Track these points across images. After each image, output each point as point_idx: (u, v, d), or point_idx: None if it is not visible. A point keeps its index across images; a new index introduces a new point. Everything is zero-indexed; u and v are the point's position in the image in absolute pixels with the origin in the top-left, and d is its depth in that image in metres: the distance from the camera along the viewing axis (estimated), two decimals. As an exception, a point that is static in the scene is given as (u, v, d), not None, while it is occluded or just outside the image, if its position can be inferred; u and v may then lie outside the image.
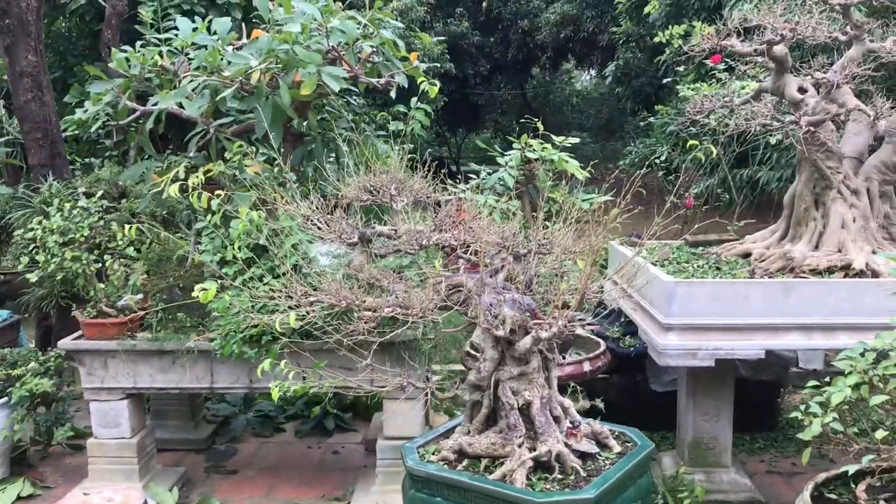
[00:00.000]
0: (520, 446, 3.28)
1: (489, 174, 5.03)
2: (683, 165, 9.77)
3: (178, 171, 4.81)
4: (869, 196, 4.93)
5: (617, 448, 3.48)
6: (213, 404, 6.75)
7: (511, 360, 3.46)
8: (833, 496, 3.85)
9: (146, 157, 5.65)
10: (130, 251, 5.00)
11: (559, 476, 3.23)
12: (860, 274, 4.57)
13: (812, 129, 4.44)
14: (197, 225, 5.06)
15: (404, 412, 5.06)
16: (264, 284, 4.77)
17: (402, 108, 4.73)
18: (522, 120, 5.91)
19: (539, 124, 5.31)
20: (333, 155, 5.31)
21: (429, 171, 4.02)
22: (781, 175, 8.69)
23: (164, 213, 5.95)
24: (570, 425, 3.44)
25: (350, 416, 6.59)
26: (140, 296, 5.25)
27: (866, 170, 4.97)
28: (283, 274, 4.74)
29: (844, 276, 4.63)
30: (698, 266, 5.15)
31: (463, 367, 3.80)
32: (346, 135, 5.34)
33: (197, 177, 4.66)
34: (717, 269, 5.08)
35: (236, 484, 5.54)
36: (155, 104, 5.12)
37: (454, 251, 4.01)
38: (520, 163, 4.95)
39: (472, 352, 4.91)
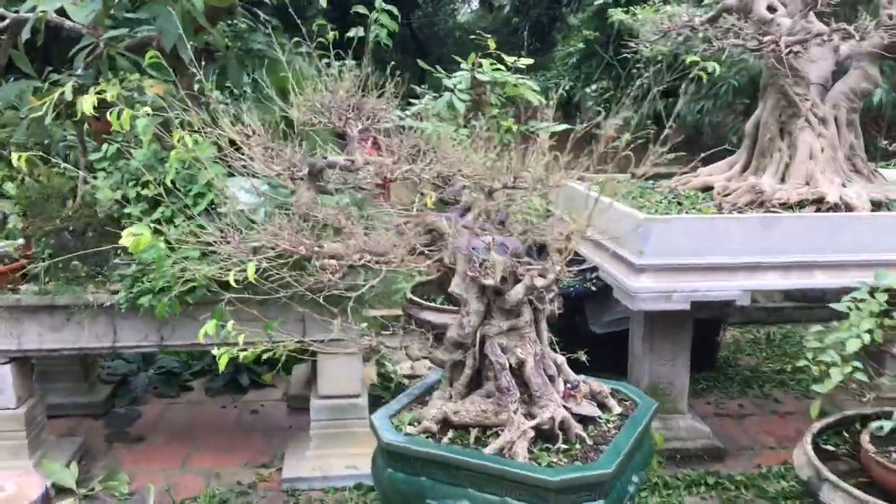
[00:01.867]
0: (515, 413, 2.80)
1: (434, 98, 4.44)
2: (587, 99, 9.44)
3: (63, 93, 3.99)
4: (836, 125, 4.65)
5: (617, 408, 3.07)
6: (107, 362, 5.96)
7: (499, 312, 2.96)
8: (830, 447, 3.58)
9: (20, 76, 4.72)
10: (9, 188, 4.15)
11: (563, 446, 2.78)
12: (834, 208, 4.31)
13: (795, 49, 4.07)
14: (91, 156, 4.25)
15: (341, 367, 4.50)
16: (176, 227, 4.06)
17: (361, 10, 4.03)
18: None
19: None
20: (251, 75, 4.57)
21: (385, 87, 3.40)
22: (702, 107, 8.47)
23: (36, 144, 5.06)
24: (569, 385, 2.99)
25: (265, 369, 5.95)
26: (21, 241, 4.42)
27: (833, 97, 4.68)
28: (198, 215, 4.06)
29: (817, 211, 4.35)
30: (657, 202, 4.78)
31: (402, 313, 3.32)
32: (265, 50, 4.61)
33: (88, 99, 3.88)
34: (679, 203, 4.72)
35: (145, 453, 4.86)
36: (31, 10, 4.21)
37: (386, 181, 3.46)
38: (469, 86, 4.39)
39: (415, 299, 4.36)
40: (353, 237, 3.04)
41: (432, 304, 4.64)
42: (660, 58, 7.44)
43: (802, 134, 4.56)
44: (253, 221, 4.31)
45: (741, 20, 4.44)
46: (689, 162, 5.58)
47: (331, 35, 3.48)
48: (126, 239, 2.20)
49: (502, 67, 4.44)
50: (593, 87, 6.78)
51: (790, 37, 4.18)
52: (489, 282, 2.86)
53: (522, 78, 4.37)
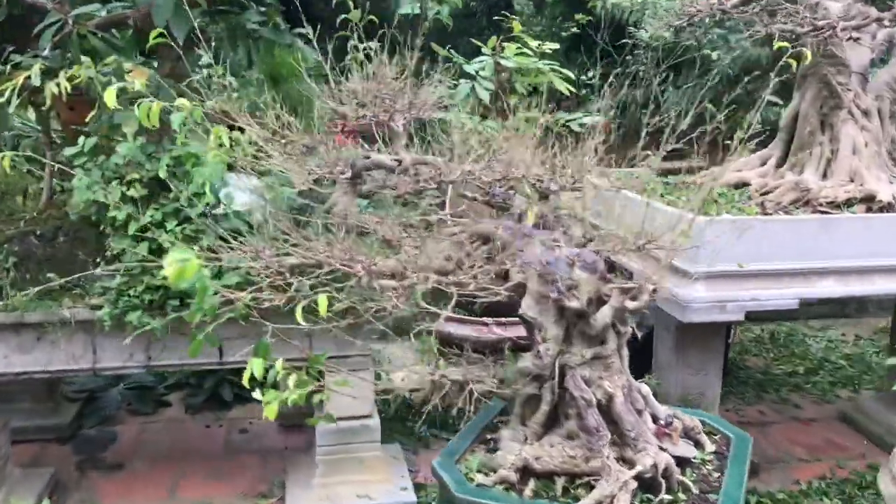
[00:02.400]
0: (609, 458, 2.40)
1: (454, 86, 3.99)
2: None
3: (29, 77, 3.42)
4: (879, 117, 4.35)
5: (709, 445, 2.69)
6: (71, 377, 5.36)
7: (581, 339, 2.55)
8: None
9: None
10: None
11: (666, 497, 2.39)
12: (887, 207, 4.00)
13: (855, 35, 3.73)
14: (66, 151, 3.68)
15: (352, 387, 4.03)
16: (168, 232, 3.54)
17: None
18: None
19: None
20: (245, 59, 4.04)
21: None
22: (694, 96, 8.14)
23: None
24: (661, 422, 2.60)
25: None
26: (-19, 248, 3.84)
27: (876, 87, 4.38)
28: (197, 217, 3.54)
29: (867, 210, 4.05)
30: (688, 201, 4.41)
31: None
32: (259, 30, 4.09)
33: (58, 83, 3.33)
34: (713, 202, 4.36)
35: (125, 483, 4.33)
36: (-11, -20, 3.62)
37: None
38: (492, 72, 3.95)
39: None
40: (403, 251, 2.59)
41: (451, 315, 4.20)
42: (655, 44, 7.11)
43: (845, 127, 4.25)
44: (250, 225, 3.84)
45: (787, 2, 4.09)
46: (681, 155, 5.26)
47: (356, 13, 2.99)
48: (169, 267, 1.71)
49: (527, 52, 4.01)
50: (590, 74, 6.41)
51: (847, 21, 3.84)
52: (574, 304, 2.44)
53: (552, 64, 3.95)
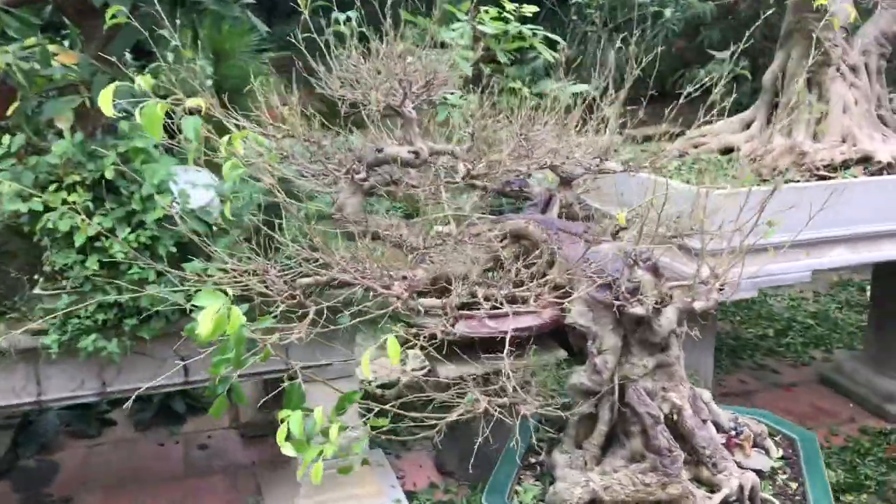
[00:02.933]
0: (688, 482, 2.11)
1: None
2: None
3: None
4: (867, 73, 4.18)
5: (774, 450, 2.44)
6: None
7: (640, 347, 2.25)
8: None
9: None
10: None
11: (753, 519, 2.12)
12: (887, 168, 3.84)
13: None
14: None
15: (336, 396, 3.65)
16: (120, 242, 3.04)
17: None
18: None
19: None
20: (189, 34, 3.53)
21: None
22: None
23: None
24: (731, 431, 2.33)
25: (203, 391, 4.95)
26: None
27: (863, 42, 4.19)
28: (148, 223, 3.05)
29: (865, 172, 3.88)
30: (676, 169, 4.16)
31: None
32: (204, 2, 3.57)
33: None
34: (700, 171, 4.12)
35: (79, 521, 3.84)
36: None
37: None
38: (470, 40, 3.55)
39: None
40: (429, 258, 2.22)
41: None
42: (602, 2, 6.83)
43: (834, 85, 4.06)
44: (209, 225, 3.37)
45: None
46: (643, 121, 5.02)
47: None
48: (205, 323, 1.30)
49: (506, 16, 3.63)
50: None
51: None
52: (639, 311, 2.13)
53: (535, 28, 3.58)
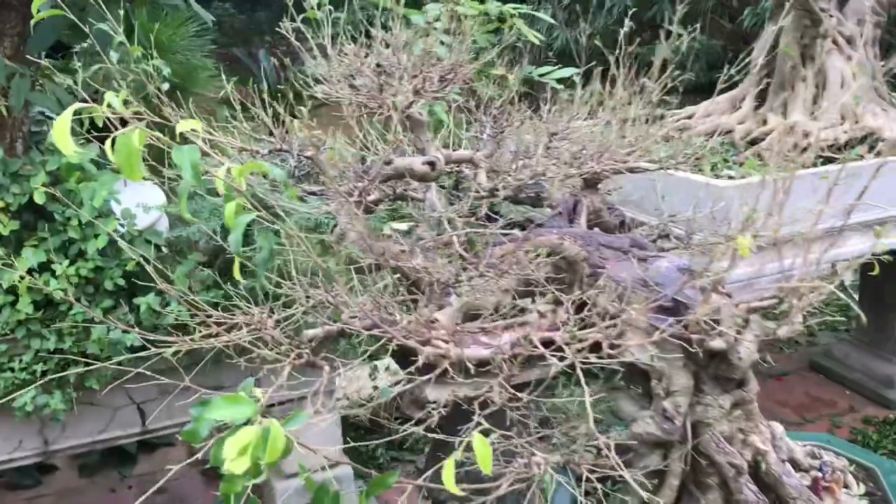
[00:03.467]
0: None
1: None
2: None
3: None
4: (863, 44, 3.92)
5: (856, 486, 2.13)
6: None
7: (713, 384, 1.89)
8: None
9: None
10: None
11: (862, 581, 1.80)
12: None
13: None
14: None
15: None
16: (57, 278, 2.54)
17: None
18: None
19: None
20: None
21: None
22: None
23: None
24: (818, 472, 2.00)
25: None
26: None
27: (857, 10, 3.93)
28: (89, 253, 2.55)
29: (870, 151, 3.63)
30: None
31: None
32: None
33: None
34: (697, 157, 3.80)
35: None
36: None
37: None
38: (447, 23, 3.14)
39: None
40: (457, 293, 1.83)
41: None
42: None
43: (830, 58, 3.79)
44: (159, 247, 2.89)
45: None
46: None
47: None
48: (231, 451, 0.89)
49: (485, -5, 3.22)
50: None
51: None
52: (718, 344, 1.77)
53: (518, 8, 3.19)
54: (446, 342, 1.54)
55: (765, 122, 3.94)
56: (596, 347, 1.70)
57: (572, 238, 2.01)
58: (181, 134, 1.17)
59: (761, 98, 4.02)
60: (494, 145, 2.00)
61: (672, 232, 2.36)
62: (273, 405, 1.45)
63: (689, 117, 4.25)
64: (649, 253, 2.00)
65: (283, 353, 1.60)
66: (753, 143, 3.81)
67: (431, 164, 1.84)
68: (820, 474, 1.97)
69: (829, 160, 3.60)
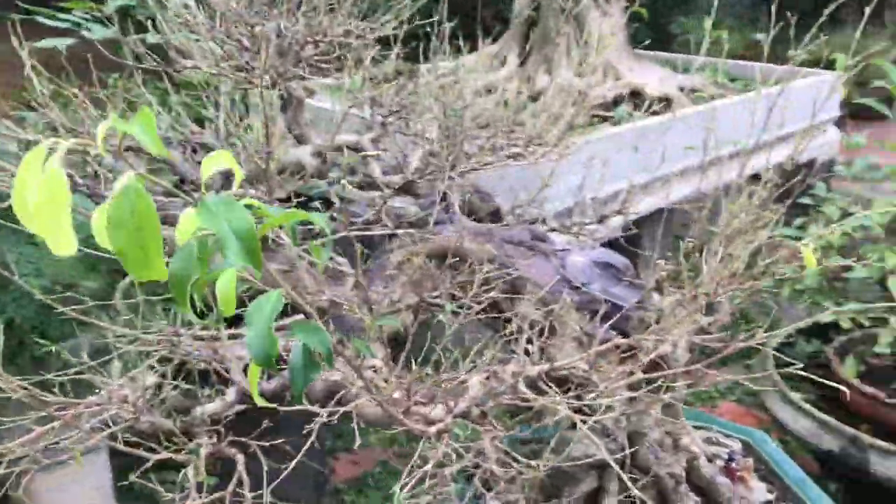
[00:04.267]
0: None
1: None
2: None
3: None
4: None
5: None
6: None
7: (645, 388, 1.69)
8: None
9: None
10: None
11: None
12: (659, 103, 3.69)
13: None
14: None
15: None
16: None
17: None
18: None
19: None
20: None
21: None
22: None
23: None
24: (732, 462, 1.90)
25: None
26: None
27: (610, -34, 3.96)
28: None
29: (635, 108, 3.71)
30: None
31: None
32: None
33: None
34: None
35: None
36: None
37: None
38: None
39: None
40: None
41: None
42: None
43: (590, 15, 3.78)
44: None
45: None
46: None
47: None
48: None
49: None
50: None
51: None
52: (666, 349, 1.57)
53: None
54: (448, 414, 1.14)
55: (529, 80, 3.85)
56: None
57: (472, 235, 1.68)
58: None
59: (525, 54, 3.93)
60: (382, 127, 1.58)
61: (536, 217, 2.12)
62: None
63: (447, 74, 4.03)
64: (556, 247, 1.73)
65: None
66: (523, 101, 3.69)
67: (321, 155, 1.39)
68: (732, 464, 1.88)
69: (603, 119, 3.60)
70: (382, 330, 1.32)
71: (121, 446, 1.11)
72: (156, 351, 1.36)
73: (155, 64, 1.44)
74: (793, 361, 1.47)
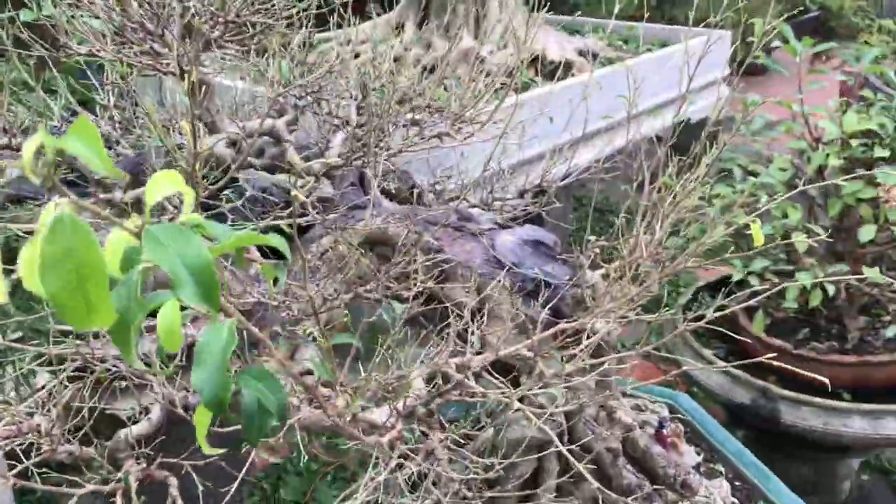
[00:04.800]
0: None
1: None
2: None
3: None
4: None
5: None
6: None
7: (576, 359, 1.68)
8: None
9: None
10: None
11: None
12: (566, 67, 3.70)
13: None
14: None
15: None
16: None
17: None
18: None
19: None
20: None
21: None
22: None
23: None
24: (657, 426, 1.92)
25: None
26: None
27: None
28: None
29: (537, 73, 3.70)
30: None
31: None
32: None
33: None
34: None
35: None
36: None
37: None
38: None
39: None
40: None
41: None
42: None
43: (486, -22, 3.73)
44: None
45: None
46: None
47: None
48: None
49: None
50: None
51: None
52: (600, 327, 1.55)
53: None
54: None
55: (429, 47, 3.77)
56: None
57: (395, 219, 1.61)
58: None
59: (423, 21, 3.84)
60: (295, 109, 1.48)
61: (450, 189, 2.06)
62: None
63: (347, 43, 3.90)
64: (483, 226, 1.68)
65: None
66: (425, 71, 3.62)
67: (236, 144, 1.29)
68: (663, 431, 1.89)
69: (503, 84, 3.55)
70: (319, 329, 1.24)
71: (35, 485, 0.99)
72: (65, 363, 1.24)
73: (43, 50, 1.28)
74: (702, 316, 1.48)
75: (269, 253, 1.42)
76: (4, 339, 1.29)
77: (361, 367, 1.17)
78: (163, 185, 0.54)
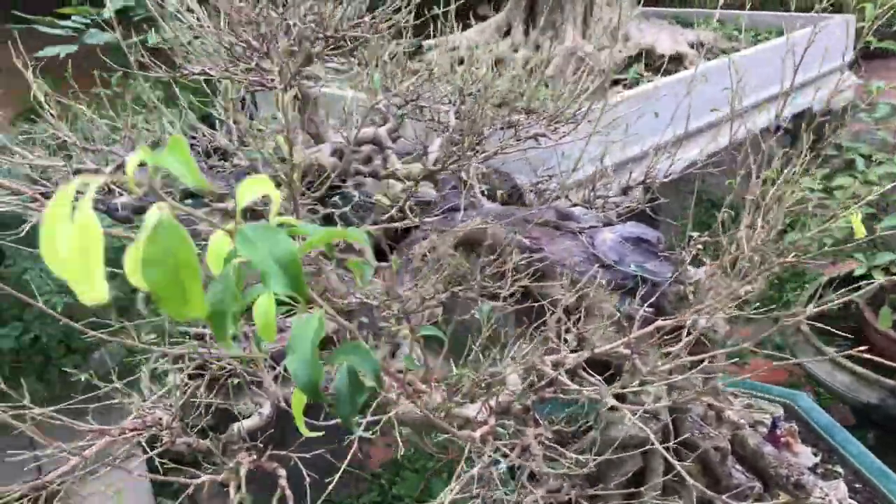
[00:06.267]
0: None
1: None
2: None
3: None
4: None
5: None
6: None
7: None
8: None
9: None
10: None
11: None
12: (677, 61, 3.63)
13: None
14: None
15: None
16: None
17: None
18: None
19: None
20: None
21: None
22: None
23: None
24: (778, 430, 1.87)
25: None
26: None
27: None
28: None
29: (647, 67, 3.64)
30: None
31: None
32: None
33: None
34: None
35: None
36: None
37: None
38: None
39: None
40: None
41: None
42: None
43: (593, -25, 3.70)
44: None
45: None
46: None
47: None
48: None
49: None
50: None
51: None
52: (704, 324, 1.53)
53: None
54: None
55: (538, 48, 3.77)
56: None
57: (495, 220, 1.64)
58: None
59: (531, 23, 3.85)
60: (398, 118, 1.54)
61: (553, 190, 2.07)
62: None
63: (454, 49, 3.96)
64: (583, 224, 1.69)
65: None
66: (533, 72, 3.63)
67: (339, 153, 1.35)
68: (777, 430, 1.84)
69: (615, 82, 3.53)
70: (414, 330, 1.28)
71: (158, 476, 1.08)
72: (185, 362, 1.34)
73: (160, 71, 1.40)
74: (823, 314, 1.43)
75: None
76: (139, 341, 1.41)
77: (453, 365, 1.21)
78: (253, 189, 0.60)
